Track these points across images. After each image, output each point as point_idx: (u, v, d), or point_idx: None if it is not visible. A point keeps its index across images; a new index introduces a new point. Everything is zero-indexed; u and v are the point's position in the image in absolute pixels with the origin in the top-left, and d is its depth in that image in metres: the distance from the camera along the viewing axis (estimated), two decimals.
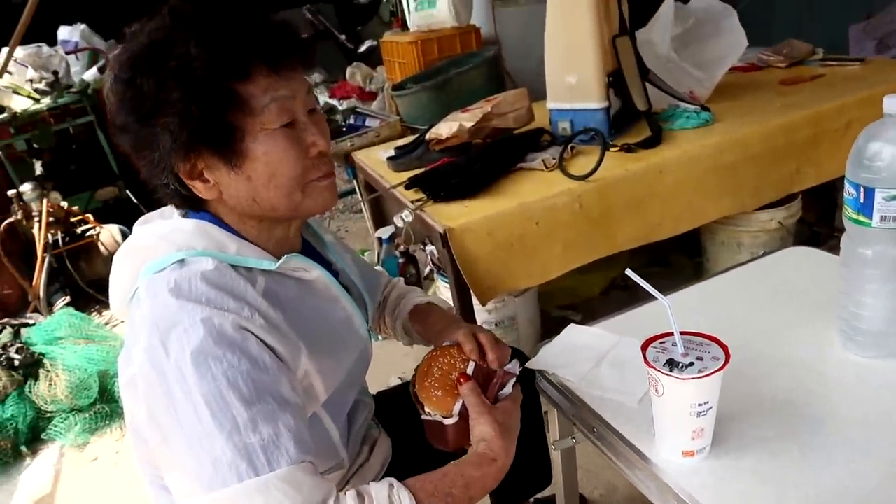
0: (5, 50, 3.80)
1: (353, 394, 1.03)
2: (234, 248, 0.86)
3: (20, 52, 3.84)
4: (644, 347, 0.82)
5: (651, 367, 0.78)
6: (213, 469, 0.72)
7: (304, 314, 0.90)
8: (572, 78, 1.95)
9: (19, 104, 3.60)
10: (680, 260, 2.72)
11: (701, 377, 0.75)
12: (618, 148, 1.88)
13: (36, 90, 3.74)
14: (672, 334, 0.82)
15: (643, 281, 0.83)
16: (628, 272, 0.84)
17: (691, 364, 0.78)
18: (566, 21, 1.91)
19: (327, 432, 0.95)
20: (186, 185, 0.85)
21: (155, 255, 0.84)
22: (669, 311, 0.80)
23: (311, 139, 0.87)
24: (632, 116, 2.04)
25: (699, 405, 0.78)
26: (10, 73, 3.85)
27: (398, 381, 2.39)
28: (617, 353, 1.08)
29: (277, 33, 0.85)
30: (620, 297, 2.61)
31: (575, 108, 1.99)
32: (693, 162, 1.86)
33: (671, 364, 0.78)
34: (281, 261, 0.89)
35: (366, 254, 2.92)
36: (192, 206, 0.90)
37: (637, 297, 1.17)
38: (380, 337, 1.09)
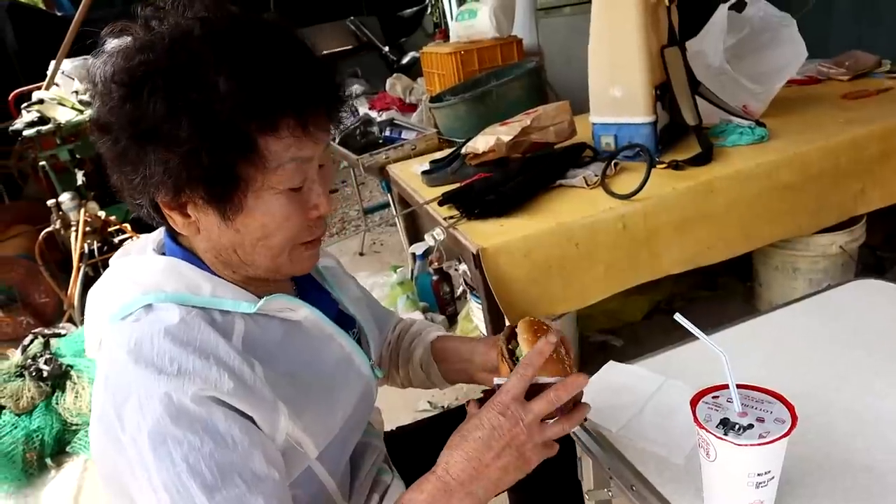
0: (53, 63, 3.88)
1: (355, 438, 0.94)
2: (208, 288, 0.78)
3: (67, 64, 3.91)
4: (694, 402, 0.71)
5: (702, 427, 0.67)
6: None
7: (289, 361, 0.81)
8: (617, 91, 1.84)
9: (64, 115, 3.64)
10: (730, 284, 2.56)
11: (763, 444, 0.64)
12: (665, 165, 1.77)
13: (80, 101, 3.79)
14: (727, 387, 0.71)
15: (694, 327, 0.72)
16: (678, 317, 0.73)
17: (750, 426, 0.66)
18: (611, 31, 1.81)
19: (322, 484, 0.86)
20: (162, 212, 0.77)
21: (122, 298, 0.76)
22: (726, 363, 0.69)
23: (315, 202, 0.79)
24: (680, 132, 1.92)
25: (759, 475, 0.66)
26: (56, 85, 3.93)
27: (427, 407, 2.29)
28: (661, 398, 0.96)
29: (318, 81, 0.75)
30: (664, 322, 2.47)
31: (620, 123, 1.88)
32: (746, 181, 1.73)
33: (726, 425, 0.67)
34: (260, 302, 0.80)
35: (399, 270, 2.84)
36: (162, 226, 0.83)
37: (683, 325, 1.05)
38: (379, 374, 0.98)
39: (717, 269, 2.27)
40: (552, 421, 0.79)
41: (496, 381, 0.82)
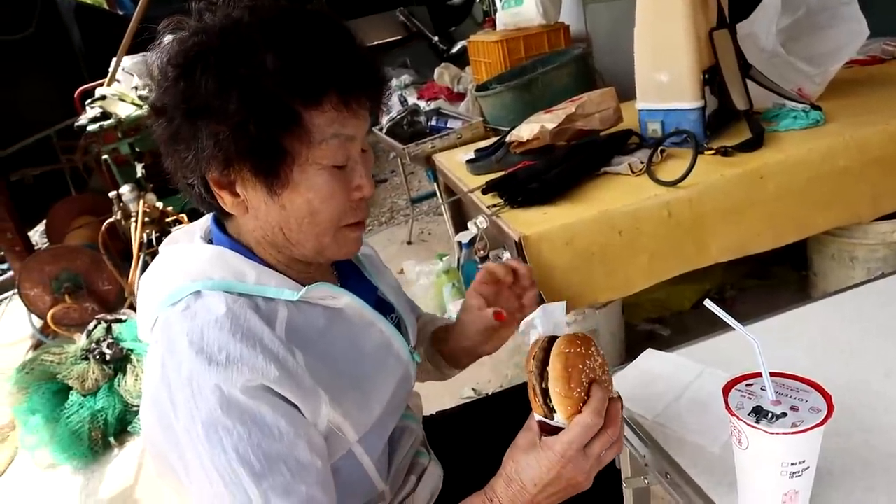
0: (114, 60, 4.03)
1: (394, 421, 0.96)
2: (253, 276, 0.80)
3: (127, 61, 4.05)
4: (726, 390, 0.70)
5: (733, 414, 0.66)
6: None
7: (331, 348, 0.83)
8: (664, 76, 1.81)
9: (124, 110, 3.79)
10: (783, 273, 2.47)
11: (795, 433, 0.63)
12: (713, 151, 1.73)
13: (140, 97, 3.93)
14: (761, 375, 0.69)
15: (725, 314, 0.71)
16: (707, 303, 0.72)
17: (784, 415, 0.65)
18: (658, 13, 1.77)
19: (362, 467, 0.88)
20: (213, 192, 0.80)
21: (171, 285, 0.80)
22: (758, 350, 0.68)
23: (358, 182, 0.81)
24: (730, 117, 1.87)
25: (792, 465, 0.65)
26: (118, 81, 4.07)
27: (471, 394, 2.31)
28: (699, 387, 0.95)
29: (360, 63, 0.78)
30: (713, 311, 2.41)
31: (666, 109, 1.84)
32: (799, 166, 1.67)
33: (758, 413, 0.66)
34: (303, 290, 0.82)
35: (445, 258, 2.86)
36: (212, 210, 0.86)
37: (733, 314, 1.03)
38: (418, 359, 1.00)
39: (769, 258, 2.21)
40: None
41: (536, 417, 0.78)
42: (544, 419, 0.77)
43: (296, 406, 0.76)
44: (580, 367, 0.75)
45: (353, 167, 0.81)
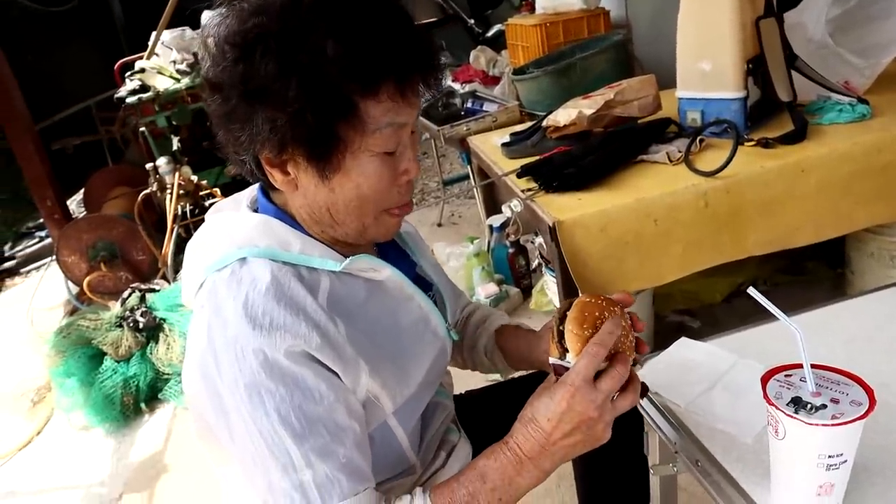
0: (153, 34, 4.08)
1: (428, 396, 0.97)
2: (298, 245, 0.82)
3: (166, 35, 4.10)
4: (765, 379, 0.70)
5: (772, 404, 0.66)
6: (268, 490, 0.75)
7: (371, 320, 0.85)
8: (706, 64, 1.78)
9: (162, 84, 3.84)
10: (819, 269, 2.43)
11: (835, 425, 0.62)
12: (754, 142, 1.70)
13: (178, 71, 3.98)
14: (801, 366, 0.69)
15: (768, 302, 0.71)
16: (751, 291, 0.71)
17: (823, 406, 0.65)
18: (704, 1, 1.74)
19: (395, 438, 0.90)
20: (264, 169, 0.82)
21: (218, 251, 0.82)
22: (801, 340, 0.67)
23: (405, 166, 0.83)
24: (772, 108, 1.84)
25: (829, 457, 0.65)
26: (157, 55, 4.13)
27: (498, 376, 2.32)
28: (733, 377, 0.94)
29: (418, 49, 0.78)
30: (745, 305, 2.38)
31: (707, 98, 1.81)
32: (842, 161, 1.64)
33: (797, 404, 0.66)
34: (346, 262, 0.84)
35: (476, 241, 2.86)
36: (261, 182, 0.87)
37: (765, 309, 1.02)
38: (455, 336, 1.00)
39: (805, 254, 2.17)
40: (617, 395, 0.79)
41: (551, 360, 0.82)
42: (559, 361, 0.81)
43: (336, 374, 0.78)
44: (596, 314, 0.80)
45: (402, 152, 0.82)
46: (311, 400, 0.75)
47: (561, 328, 0.81)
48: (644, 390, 0.85)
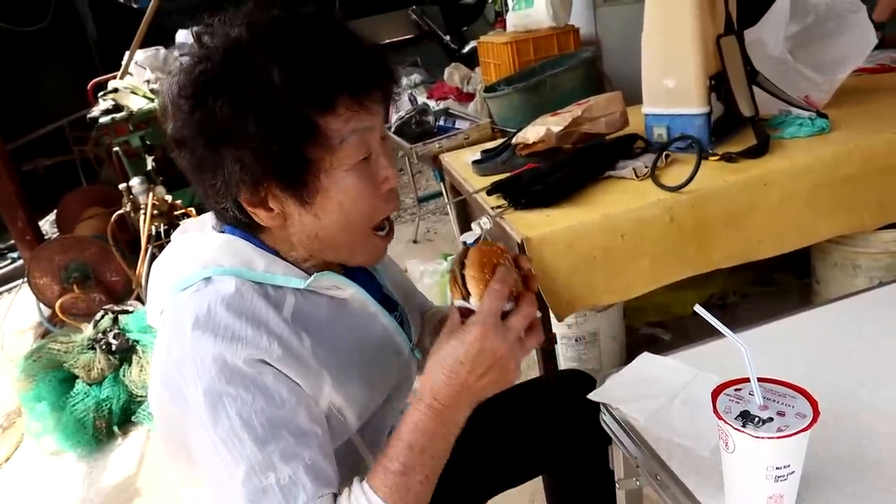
0: (127, 53, 4.07)
1: (395, 414, 0.98)
2: (262, 264, 0.83)
3: (140, 54, 4.09)
4: (715, 394, 0.71)
5: (721, 418, 0.67)
6: (235, 500, 0.74)
7: (335, 336, 0.86)
8: (670, 81, 1.81)
9: (136, 103, 3.83)
10: (786, 280, 2.47)
11: (780, 437, 0.64)
12: (718, 157, 1.73)
13: (151, 90, 3.97)
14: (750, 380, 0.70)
15: (714, 319, 0.72)
16: (697, 308, 0.73)
17: (770, 419, 0.66)
18: (666, 18, 1.78)
19: (362, 459, 0.90)
20: (248, 212, 0.82)
21: (183, 271, 0.82)
22: (746, 355, 0.69)
23: (384, 174, 0.84)
24: (736, 123, 1.88)
25: (777, 469, 0.66)
26: (130, 74, 4.12)
27: None
28: (692, 391, 0.96)
29: (366, 60, 0.80)
30: (716, 316, 2.41)
31: (672, 114, 1.85)
32: (803, 174, 1.67)
33: (746, 417, 0.67)
34: (310, 279, 0.85)
35: (449, 258, 2.87)
36: (249, 230, 0.87)
37: (734, 320, 1.04)
38: (418, 355, 1.01)
39: (773, 265, 2.20)
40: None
41: (457, 303, 0.84)
42: (464, 303, 0.83)
43: (297, 383, 0.79)
44: (494, 260, 0.84)
45: (375, 159, 0.83)
46: (273, 403, 0.75)
47: (462, 273, 0.84)
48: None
